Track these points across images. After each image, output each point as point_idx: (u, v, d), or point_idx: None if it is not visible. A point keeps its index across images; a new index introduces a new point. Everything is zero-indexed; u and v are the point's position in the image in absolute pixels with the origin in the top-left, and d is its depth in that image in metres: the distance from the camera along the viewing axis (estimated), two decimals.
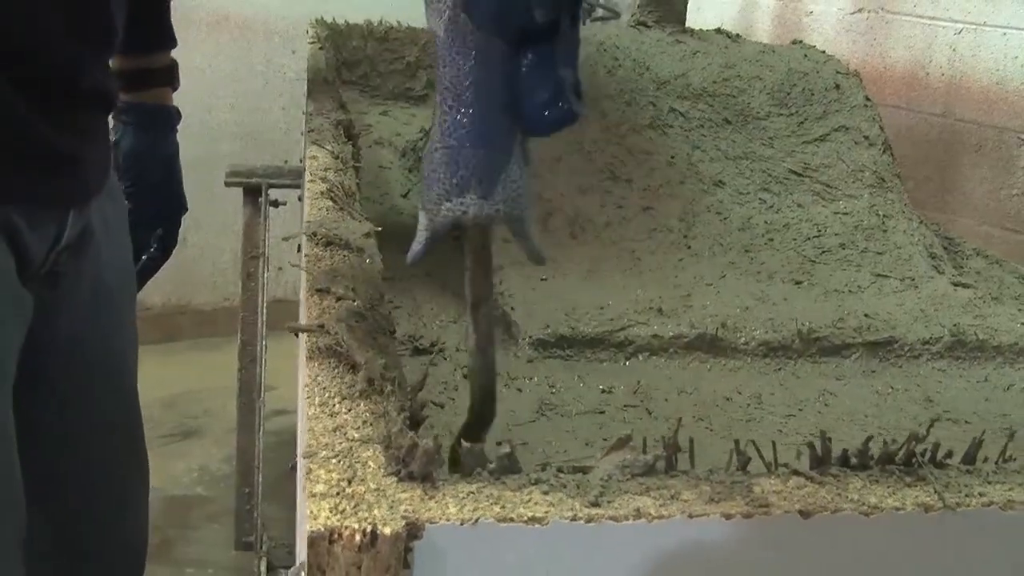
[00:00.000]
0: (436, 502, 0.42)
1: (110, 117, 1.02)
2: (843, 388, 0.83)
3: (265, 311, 1.87)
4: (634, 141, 1.08)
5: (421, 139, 1.28)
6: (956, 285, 1.03)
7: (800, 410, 0.78)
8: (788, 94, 1.15)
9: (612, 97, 1.10)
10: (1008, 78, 2.17)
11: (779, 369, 0.85)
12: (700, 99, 1.12)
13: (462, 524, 0.41)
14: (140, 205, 1.22)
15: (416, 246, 0.61)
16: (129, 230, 1.14)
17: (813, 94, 1.16)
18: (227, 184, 1.91)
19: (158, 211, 1.24)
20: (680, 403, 0.78)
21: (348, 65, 1.85)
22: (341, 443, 0.45)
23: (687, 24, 1.26)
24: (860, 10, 2.45)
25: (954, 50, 2.30)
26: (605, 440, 0.71)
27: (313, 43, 1.65)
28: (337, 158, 0.78)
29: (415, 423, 0.49)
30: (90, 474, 1.03)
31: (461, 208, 0.58)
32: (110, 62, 0.97)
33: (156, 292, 3.01)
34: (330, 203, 0.66)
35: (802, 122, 1.14)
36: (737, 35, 1.22)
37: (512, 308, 0.88)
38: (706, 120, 1.11)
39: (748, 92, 1.14)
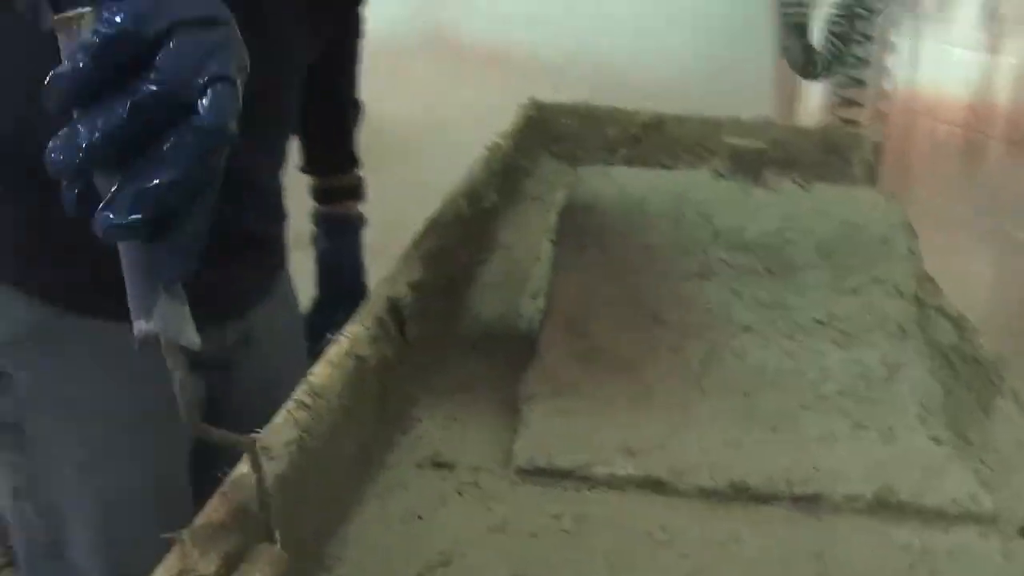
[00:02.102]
0: None
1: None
2: (751, 535, 1.08)
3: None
4: (681, 288, 1.35)
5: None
6: (931, 440, 1.23)
7: (699, 551, 1.05)
8: (835, 247, 1.38)
9: (671, 246, 1.38)
10: None
11: (709, 512, 1.11)
12: (749, 250, 1.37)
13: None
14: (331, 295, 1.64)
15: None
16: (320, 315, 1.57)
17: (858, 247, 1.37)
18: None
19: (336, 300, 1.64)
20: (606, 533, 1.07)
21: (556, 139, 2.18)
22: None
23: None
24: None
25: None
26: (524, 559, 1.02)
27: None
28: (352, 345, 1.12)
29: None
30: None
31: None
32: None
33: None
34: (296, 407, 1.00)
35: (840, 274, 1.36)
36: (809, 184, 1.44)
37: (519, 435, 1.19)
38: (750, 270, 1.36)
39: (796, 244, 1.37)
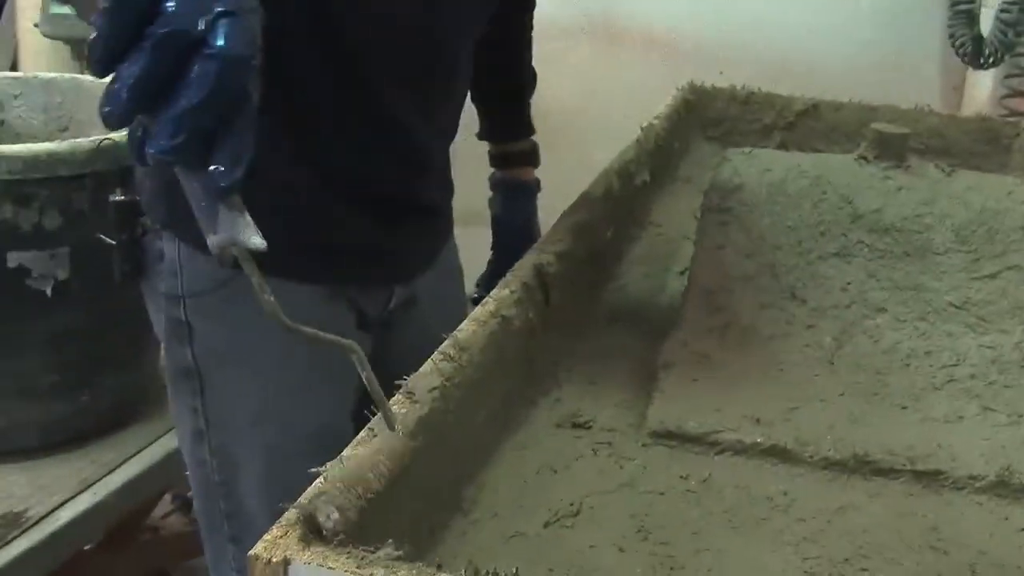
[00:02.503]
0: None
1: None
2: (869, 505, 1.13)
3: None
4: (818, 267, 1.40)
5: None
6: None
7: (814, 517, 1.11)
8: (973, 232, 1.41)
9: (811, 227, 1.43)
10: None
11: (829, 482, 1.17)
12: (888, 233, 1.41)
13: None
14: (507, 256, 1.75)
15: None
16: (495, 276, 1.68)
17: (997, 233, 1.40)
18: None
19: (508, 264, 1.76)
20: (729, 495, 1.14)
21: (712, 123, 2.23)
22: None
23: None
24: None
25: None
26: (647, 515, 1.10)
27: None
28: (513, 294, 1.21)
29: None
30: None
31: None
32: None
33: None
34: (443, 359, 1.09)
35: (977, 259, 1.39)
36: (952, 170, 1.47)
37: (653, 400, 1.27)
38: (887, 252, 1.40)
39: (935, 228, 1.41)
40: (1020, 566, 1.05)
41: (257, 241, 0.73)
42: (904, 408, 1.28)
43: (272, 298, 0.77)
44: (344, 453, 0.91)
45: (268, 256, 1.12)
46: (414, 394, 0.99)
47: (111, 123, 0.69)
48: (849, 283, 1.39)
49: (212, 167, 0.69)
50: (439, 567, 0.77)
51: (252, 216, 0.74)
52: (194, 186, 0.71)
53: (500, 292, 1.23)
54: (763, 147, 2.13)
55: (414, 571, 0.76)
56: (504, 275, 1.68)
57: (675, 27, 3.25)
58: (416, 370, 1.18)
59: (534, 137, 1.81)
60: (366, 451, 0.91)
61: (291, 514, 0.82)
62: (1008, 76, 3.01)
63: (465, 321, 1.16)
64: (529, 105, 1.78)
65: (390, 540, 0.77)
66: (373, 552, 0.77)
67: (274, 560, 0.76)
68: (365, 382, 0.86)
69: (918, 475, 1.17)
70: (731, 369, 1.33)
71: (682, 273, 1.64)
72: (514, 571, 0.78)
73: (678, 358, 1.35)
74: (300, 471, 1.38)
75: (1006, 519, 1.13)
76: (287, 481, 1.39)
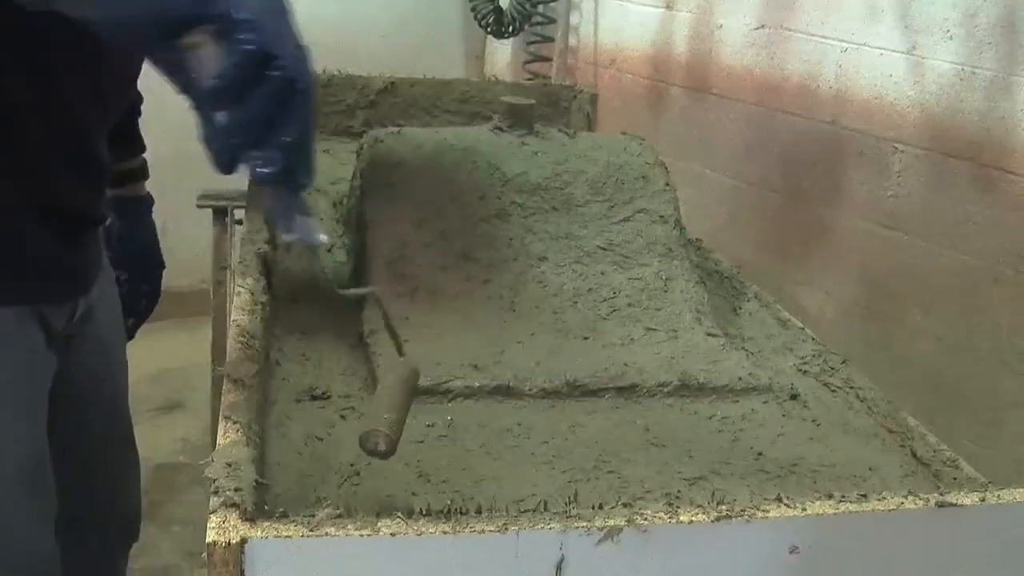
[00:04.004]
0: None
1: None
2: (591, 421, 1.37)
3: (231, 312, 2.43)
4: (483, 228, 1.62)
5: (349, 196, 1.81)
6: (708, 335, 1.56)
7: (553, 438, 1.32)
8: (604, 184, 1.68)
9: (469, 193, 1.63)
10: (884, 93, 2.69)
11: (551, 408, 1.39)
12: (536, 192, 1.65)
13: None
14: (128, 271, 1.80)
15: None
16: (121, 290, 1.73)
17: (624, 183, 1.69)
18: (199, 206, 2.46)
19: (142, 275, 1.80)
20: (476, 432, 1.32)
21: None
22: None
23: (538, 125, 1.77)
24: (762, 26, 2.96)
25: (840, 66, 2.81)
26: (419, 461, 1.25)
27: None
28: (253, 295, 1.31)
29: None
30: (95, 471, 1.61)
31: None
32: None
33: None
34: (240, 348, 1.19)
35: (612, 206, 1.67)
36: (574, 132, 1.74)
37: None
38: (539, 209, 1.65)
39: (573, 184, 1.67)
40: (721, 446, 1.33)
41: (321, 239, 1.02)
42: (586, 338, 1.53)
43: (328, 276, 1.10)
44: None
45: None
46: (243, 381, 1.08)
47: (226, 168, 0.91)
48: (511, 239, 1.62)
49: (295, 184, 0.95)
50: (377, 514, 0.90)
51: None
52: (277, 194, 0.96)
53: (246, 281, 1.32)
54: (348, 126, 2.32)
55: (359, 523, 0.88)
56: (136, 287, 1.76)
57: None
58: (101, 373, 1.27)
59: (143, 155, 1.88)
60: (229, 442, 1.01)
61: (216, 501, 0.90)
62: (530, 43, 3.39)
63: (235, 308, 1.25)
64: (138, 123, 1.84)
65: (324, 500, 0.89)
66: (314, 516, 0.88)
67: (232, 542, 0.85)
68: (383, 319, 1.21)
69: (620, 390, 1.43)
70: (431, 327, 1.52)
71: (330, 250, 1.79)
72: (427, 506, 0.93)
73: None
74: (11, 501, 1.40)
75: (695, 413, 1.41)
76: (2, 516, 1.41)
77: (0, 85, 1.23)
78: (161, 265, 1.86)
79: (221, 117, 0.88)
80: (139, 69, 1.50)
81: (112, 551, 1.75)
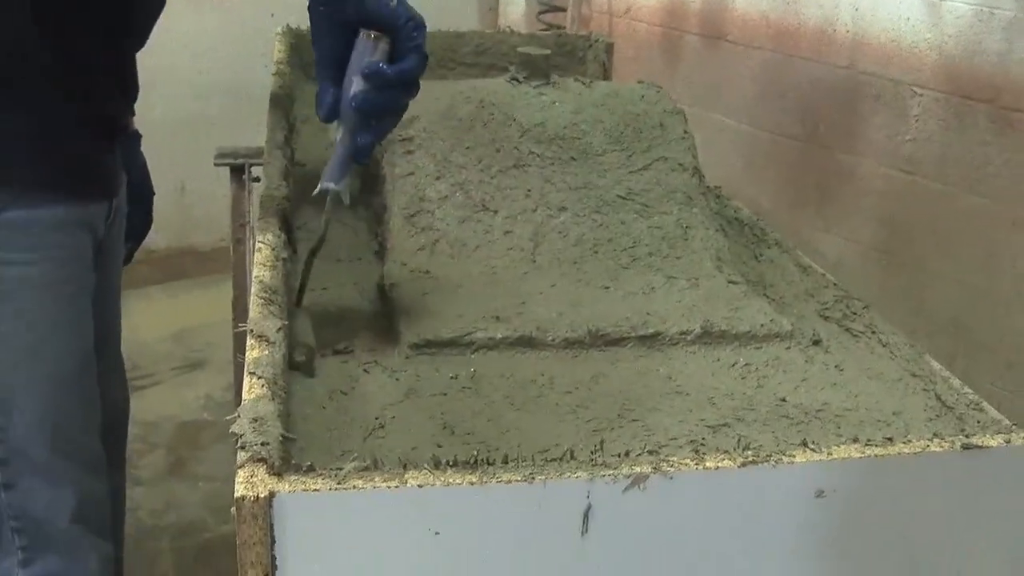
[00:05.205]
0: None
1: None
2: (614, 371, 1.36)
3: (252, 269, 2.44)
4: (501, 180, 1.61)
5: None
6: (730, 282, 1.55)
7: (576, 388, 1.32)
8: (622, 133, 1.67)
9: (486, 145, 1.63)
10: (902, 36, 2.66)
11: (574, 358, 1.39)
12: (553, 142, 1.64)
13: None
14: (140, 202, 1.83)
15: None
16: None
17: (641, 132, 1.68)
18: (216, 165, 2.46)
19: (138, 201, 1.84)
20: (500, 384, 1.32)
21: (312, 64, 2.33)
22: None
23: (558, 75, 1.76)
24: None
25: (857, 9, 2.78)
26: (443, 414, 1.25)
27: (280, 54, 2.14)
28: (274, 251, 1.31)
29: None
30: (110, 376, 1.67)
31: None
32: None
33: (160, 237, 3.54)
34: (262, 304, 1.19)
35: (630, 155, 1.66)
36: (591, 82, 1.73)
37: (399, 318, 1.42)
38: (556, 159, 1.64)
39: (591, 133, 1.66)
40: (745, 393, 1.33)
41: (347, 200, 1.35)
42: (607, 288, 1.52)
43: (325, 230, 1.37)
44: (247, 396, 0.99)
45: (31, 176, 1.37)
46: (267, 337, 1.08)
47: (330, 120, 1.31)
48: (530, 190, 1.61)
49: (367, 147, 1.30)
50: (404, 466, 0.90)
51: (21, 140, 1.33)
52: (346, 150, 1.29)
53: (266, 237, 1.32)
54: None
55: (385, 475, 0.88)
56: (144, 219, 1.80)
57: None
58: (112, 280, 1.32)
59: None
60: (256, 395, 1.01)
61: (243, 456, 0.91)
62: None
63: (256, 264, 1.25)
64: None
65: (350, 453, 0.89)
66: (341, 470, 0.89)
67: (261, 496, 0.86)
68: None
69: (642, 339, 1.42)
70: (452, 279, 1.51)
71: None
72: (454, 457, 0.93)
73: (401, 277, 1.51)
74: (72, 398, 1.45)
75: (718, 360, 1.41)
76: (62, 410, 1.45)
77: None
78: (151, 194, 1.95)
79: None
80: None
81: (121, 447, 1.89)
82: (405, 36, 1.26)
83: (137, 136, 1.94)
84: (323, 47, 1.31)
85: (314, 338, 1.32)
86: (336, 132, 1.30)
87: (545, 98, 1.68)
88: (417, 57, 1.27)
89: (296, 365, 1.25)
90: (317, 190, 1.30)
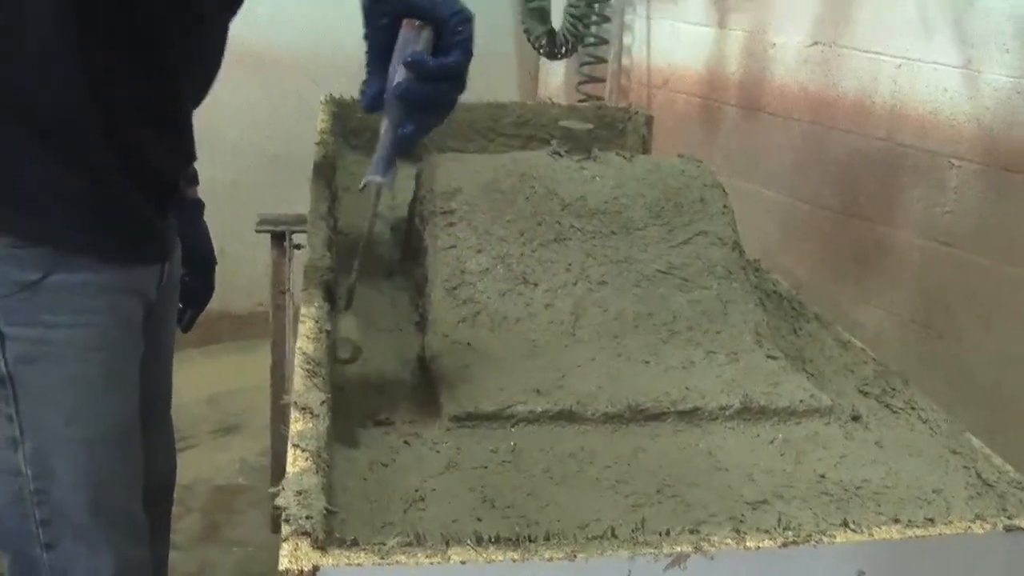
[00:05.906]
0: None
1: None
2: (653, 445, 1.38)
3: (292, 336, 2.47)
4: (542, 253, 1.64)
5: (408, 221, 1.83)
6: (769, 357, 1.57)
7: (616, 462, 1.33)
8: (663, 207, 1.70)
9: (527, 218, 1.65)
10: (940, 108, 2.68)
11: (613, 432, 1.40)
12: (594, 216, 1.67)
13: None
14: (188, 265, 1.87)
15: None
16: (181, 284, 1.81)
17: (682, 206, 1.70)
18: (257, 231, 2.50)
19: (200, 269, 1.87)
20: (540, 457, 1.34)
21: (354, 133, 2.39)
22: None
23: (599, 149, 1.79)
24: (815, 43, 2.96)
25: (895, 82, 2.81)
26: (483, 487, 1.27)
27: (323, 123, 2.18)
28: (317, 323, 1.34)
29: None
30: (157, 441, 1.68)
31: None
32: None
33: None
34: (305, 375, 1.21)
35: (671, 230, 1.68)
36: (631, 156, 1.76)
37: (440, 391, 1.44)
38: (598, 233, 1.66)
39: (631, 208, 1.68)
40: (784, 469, 1.34)
41: (391, 189, 1.35)
42: (647, 363, 1.54)
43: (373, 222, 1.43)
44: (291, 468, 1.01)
45: (78, 239, 1.37)
46: (311, 409, 1.10)
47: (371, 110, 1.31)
48: (571, 264, 1.64)
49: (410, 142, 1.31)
50: (447, 542, 0.91)
51: (69, 200, 1.32)
52: (391, 143, 1.29)
53: (310, 309, 1.35)
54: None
55: (428, 551, 0.90)
56: (205, 286, 1.83)
57: (275, 48, 3.39)
58: (163, 344, 1.34)
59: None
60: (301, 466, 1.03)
61: (287, 529, 0.92)
62: (583, 64, 3.41)
63: (300, 336, 1.27)
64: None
65: (391, 526, 0.90)
66: (384, 545, 0.90)
67: (305, 570, 0.87)
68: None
69: (681, 414, 1.43)
70: (493, 352, 1.53)
71: (390, 277, 1.81)
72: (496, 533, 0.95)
73: (442, 349, 1.53)
74: (114, 463, 1.47)
75: (757, 436, 1.42)
76: (103, 475, 1.47)
77: (106, 46, 1.30)
78: (214, 262, 2.00)
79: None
80: (226, 39, 1.55)
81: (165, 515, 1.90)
82: (450, 30, 1.24)
83: (199, 204, 1.97)
84: (372, 40, 1.30)
85: (360, 335, 1.39)
86: (382, 126, 1.30)
87: (586, 172, 1.71)
88: (462, 51, 1.25)
89: (342, 362, 1.36)
90: (362, 184, 1.32)
